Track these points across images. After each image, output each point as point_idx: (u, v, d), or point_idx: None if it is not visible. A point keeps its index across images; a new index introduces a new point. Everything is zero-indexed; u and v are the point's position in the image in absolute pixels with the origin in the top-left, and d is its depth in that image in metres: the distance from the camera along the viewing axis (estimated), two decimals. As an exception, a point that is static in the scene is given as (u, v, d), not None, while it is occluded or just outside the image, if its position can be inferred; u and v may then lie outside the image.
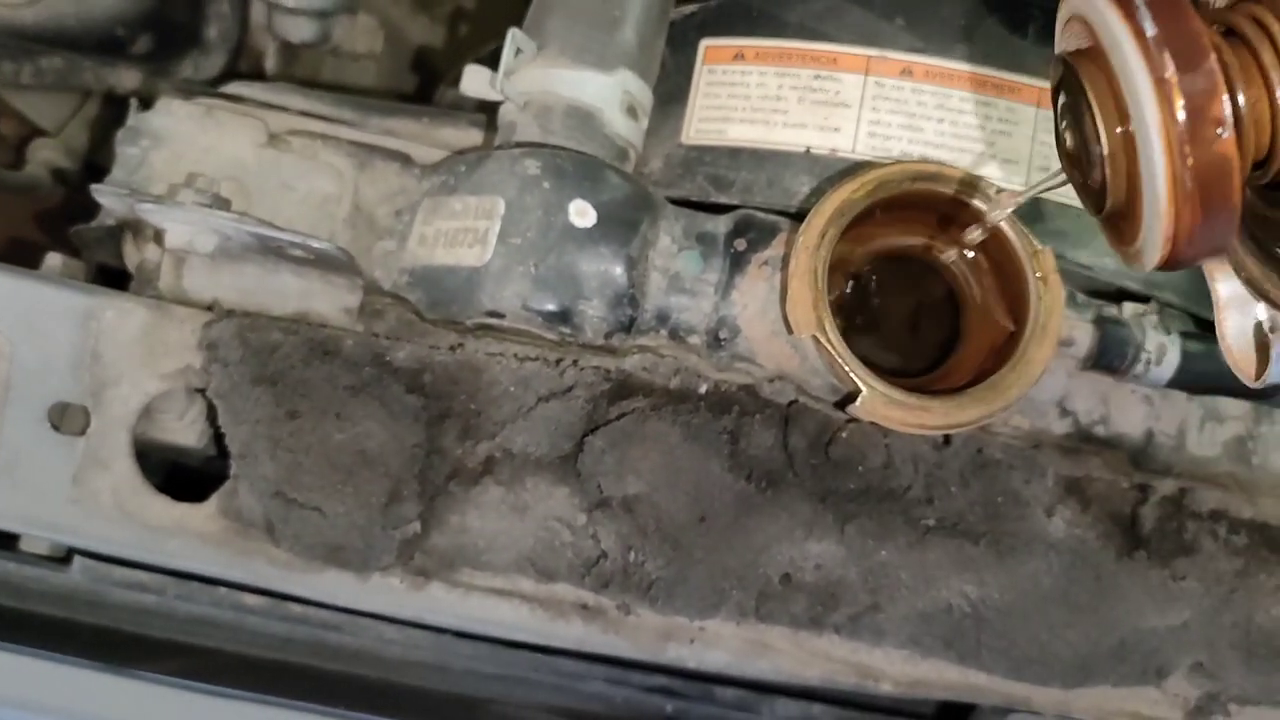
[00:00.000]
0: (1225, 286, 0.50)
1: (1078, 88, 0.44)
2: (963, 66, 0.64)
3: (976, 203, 0.57)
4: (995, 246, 0.58)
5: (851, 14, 0.66)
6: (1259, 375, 0.48)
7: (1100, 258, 0.64)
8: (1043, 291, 0.56)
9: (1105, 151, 0.43)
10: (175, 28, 0.79)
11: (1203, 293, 0.65)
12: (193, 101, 0.65)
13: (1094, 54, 0.43)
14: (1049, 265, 0.56)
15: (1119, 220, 0.46)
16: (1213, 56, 0.40)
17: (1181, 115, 0.39)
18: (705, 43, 0.68)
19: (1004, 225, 0.56)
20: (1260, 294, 0.48)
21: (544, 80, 0.61)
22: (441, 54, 1.06)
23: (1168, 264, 0.43)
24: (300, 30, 0.79)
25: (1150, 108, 0.40)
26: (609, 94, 0.61)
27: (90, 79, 0.80)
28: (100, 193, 0.57)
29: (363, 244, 0.64)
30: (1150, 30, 0.40)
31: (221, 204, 0.57)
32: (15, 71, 0.79)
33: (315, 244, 0.55)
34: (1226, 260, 0.49)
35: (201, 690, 0.59)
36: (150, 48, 0.78)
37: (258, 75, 0.86)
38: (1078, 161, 0.47)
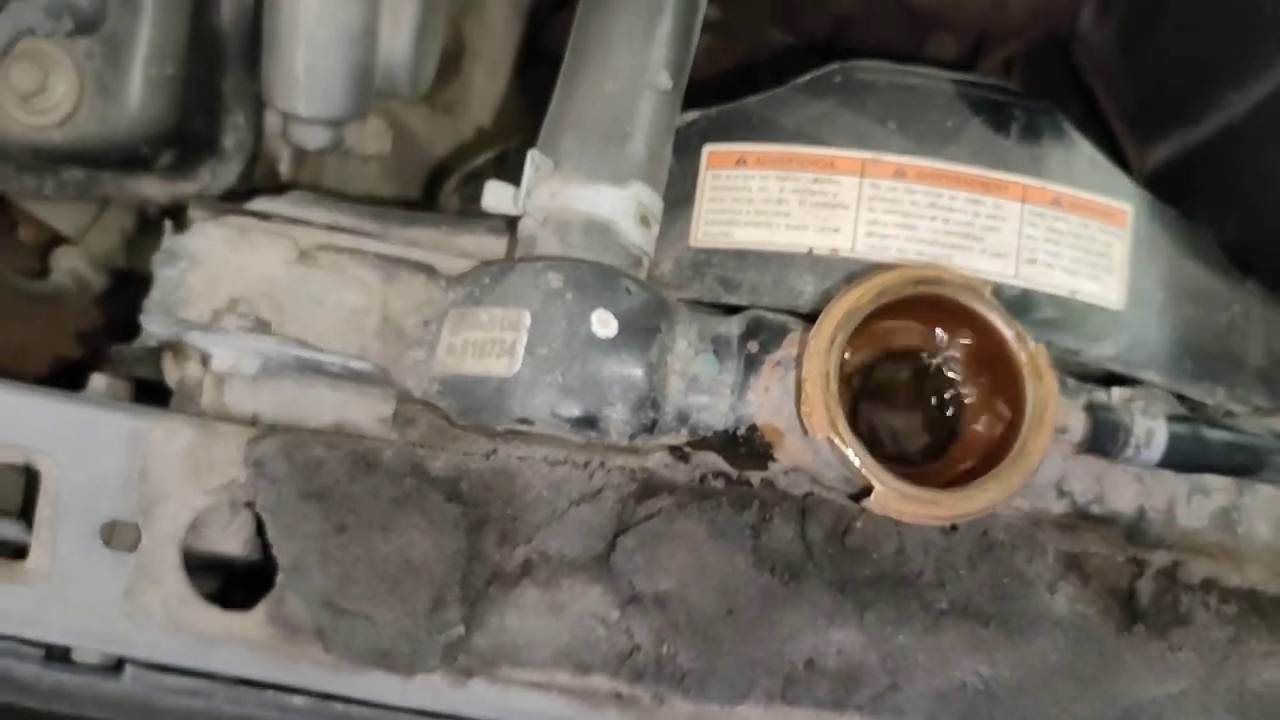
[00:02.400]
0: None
1: None
2: (952, 166, 0.69)
3: (973, 303, 0.61)
4: (991, 342, 0.62)
5: (846, 119, 0.70)
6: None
7: (1089, 343, 0.68)
8: (1037, 385, 0.60)
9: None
10: (195, 140, 0.83)
11: (1184, 371, 0.70)
12: (225, 223, 0.68)
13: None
14: (1042, 360, 0.60)
15: None
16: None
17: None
18: (709, 148, 0.72)
19: (998, 323, 0.61)
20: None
21: (561, 196, 0.64)
22: (447, 152, 1.10)
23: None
24: (314, 139, 0.83)
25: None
26: (623, 206, 0.65)
27: (111, 189, 0.83)
28: (149, 320, 0.60)
29: (392, 354, 0.67)
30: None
31: (263, 326, 0.61)
32: (38, 185, 0.82)
33: (353, 364, 0.58)
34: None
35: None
36: (171, 161, 0.81)
37: (272, 179, 0.89)
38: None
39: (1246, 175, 0.90)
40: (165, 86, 0.77)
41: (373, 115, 0.91)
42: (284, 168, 0.89)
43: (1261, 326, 0.78)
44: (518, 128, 1.17)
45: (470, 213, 0.75)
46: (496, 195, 0.65)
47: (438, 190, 0.98)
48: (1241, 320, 0.76)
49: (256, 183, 0.90)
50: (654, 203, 0.67)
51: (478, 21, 1.13)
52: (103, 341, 0.94)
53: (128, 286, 0.97)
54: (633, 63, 0.66)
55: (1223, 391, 0.71)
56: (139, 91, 0.76)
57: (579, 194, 0.64)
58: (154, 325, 0.61)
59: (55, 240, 0.89)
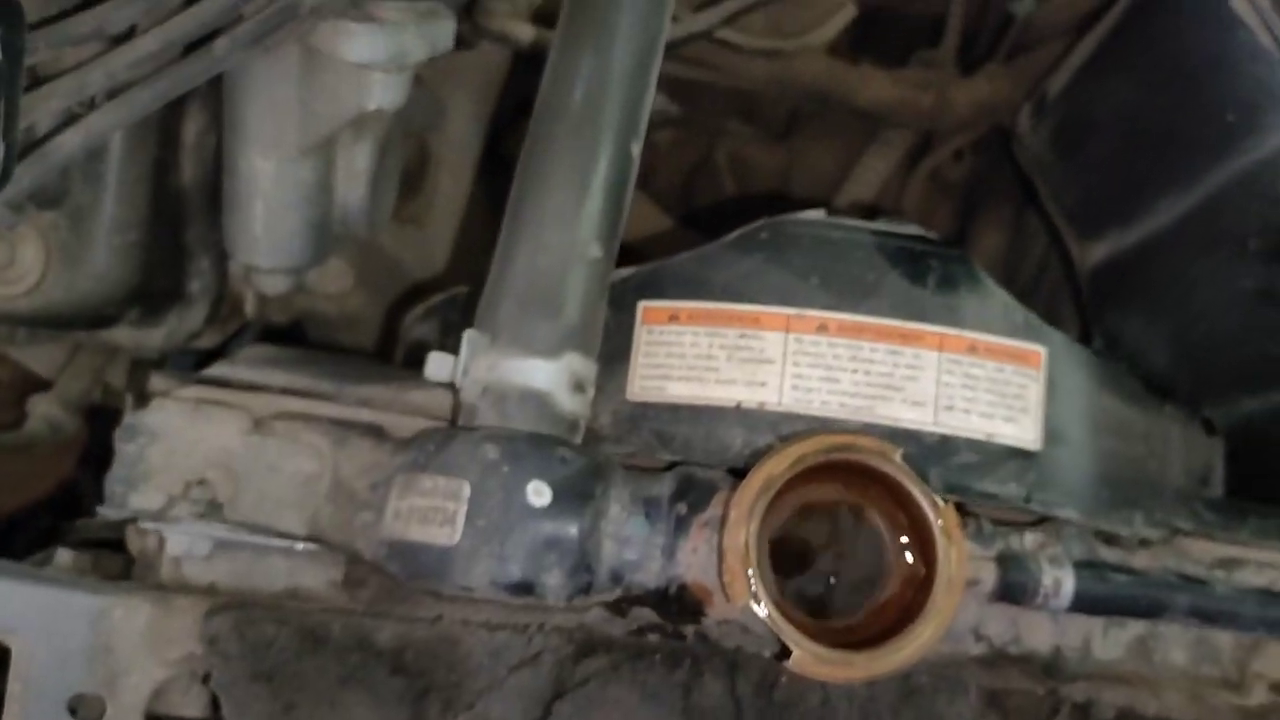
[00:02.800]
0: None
1: None
2: (872, 320, 0.72)
3: (884, 468, 0.64)
4: (906, 502, 0.65)
5: (772, 275, 0.74)
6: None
7: (1005, 485, 0.71)
8: (948, 546, 0.63)
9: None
10: (161, 292, 0.87)
11: (1101, 503, 0.73)
12: (183, 397, 0.72)
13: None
14: (952, 521, 0.64)
15: None
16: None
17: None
18: (643, 304, 0.75)
19: (910, 487, 0.64)
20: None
21: (498, 369, 0.68)
22: (416, 261, 1.14)
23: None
24: (275, 286, 0.87)
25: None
26: (557, 377, 0.68)
27: (82, 338, 0.87)
28: (105, 508, 0.64)
29: (344, 517, 0.71)
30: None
31: (215, 510, 0.64)
32: (9, 334, 0.86)
33: (299, 547, 0.62)
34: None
35: None
36: (138, 314, 0.85)
37: (238, 318, 0.94)
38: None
39: (1174, 282, 0.94)
40: (129, 252, 0.81)
41: (333, 257, 0.95)
42: (249, 307, 0.93)
43: (1181, 447, 0.82)
44: (484, 232, 1.21)
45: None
46: (437, 366, 0.69)
47: (405, 307, 1.01)
48: (1160, 446, 0.79)
49: (223, 321, 0.94)
50: (587, 368, 0.70)
51: (440, 133, 1.17)
52: (75, 482, 0.98)
53: (100, 423, 1.01)
54: (564, 238, 0.69)
55: (1141, 517, 0.75)
56: (104, 259, 0.80)
57: (514, 367, 0.68)
58: (110, 512, 0.65)
59: (31, 384, 0.93)
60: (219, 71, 0.70)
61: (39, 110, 0.67)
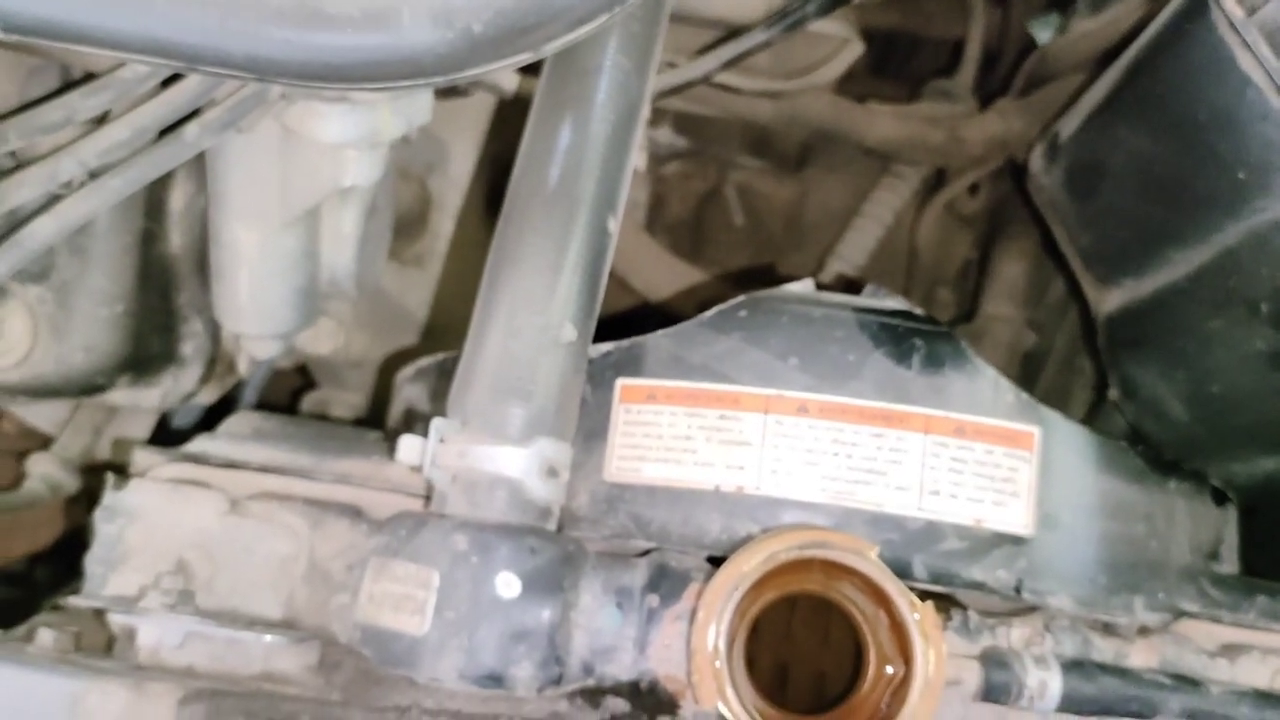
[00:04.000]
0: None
1: None
2: (854, 401, 0.70)
3: (859, 566, 0.63)
4: (882, 599, 0.63)
5: (750, 355, 0.72)
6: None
7: (994, 573, 0.69)
8: (925, 647, 0.61)
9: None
10: (153, 356, 0.87)
11: (1098, 589, 0.71)
12: (161, 476, 0.72)
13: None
14: (930, 621, 0.62)
15: None
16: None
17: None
18: (621, 382, 0.74)
19: (885, 585, 0.62)
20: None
21: (468, 456, 0.67)
22: (419, 302, 1.13)
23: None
24: (264, 350, 0.87)
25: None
26: (527, 464, 0.67)
27: (80, 397, 0.88)
28: (81, 601, 0.65)
29: (319, 599, 0.71)
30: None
31: (188, 599, 0.64)
32: (10, 397, 0.87)
33: (268, 638, 0.62)
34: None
35: None
36: (130, 381, 0.86)
37: (236, 373, 0.94)
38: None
39: (1189, 337, 0.90)
40: (117, 323, 0.81)
41: (323, 317, 0.95)
42: (242, 367, 0.93)
43: (1188, 522, 0.78)
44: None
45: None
46: (409, 450, 0.68)
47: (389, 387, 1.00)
48: (1163, 524, 0.76)
49: (221, 376, 0.95)
50: (560, 452, 0.69)
51: (442, 175, 1.17)
52: (71, 536, 0.99)
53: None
54: (537, 321, 0.68)
55: (1141, 602, 0.72)
56: (91, 331, 0.80)
57: (484, 454, 0.67)
58: (84, 601, 0.65)
59: (29, 442, 0.94)
60: (193, 155, 0.70)
61: (12, 197, 0.68)
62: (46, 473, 0.92)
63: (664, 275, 1.26)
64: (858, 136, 1.17)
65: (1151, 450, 0.78)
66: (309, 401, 1.21)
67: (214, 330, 0.91)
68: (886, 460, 0.69)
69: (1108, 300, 1.01)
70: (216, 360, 0.93)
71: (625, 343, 0.75)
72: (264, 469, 0.75)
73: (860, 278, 1.28)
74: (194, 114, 0.69)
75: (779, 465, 0.70)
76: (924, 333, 0.72)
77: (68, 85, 0.72)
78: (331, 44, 0.57)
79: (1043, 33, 1.16)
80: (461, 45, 0.58)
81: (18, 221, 0.69)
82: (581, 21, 0.61)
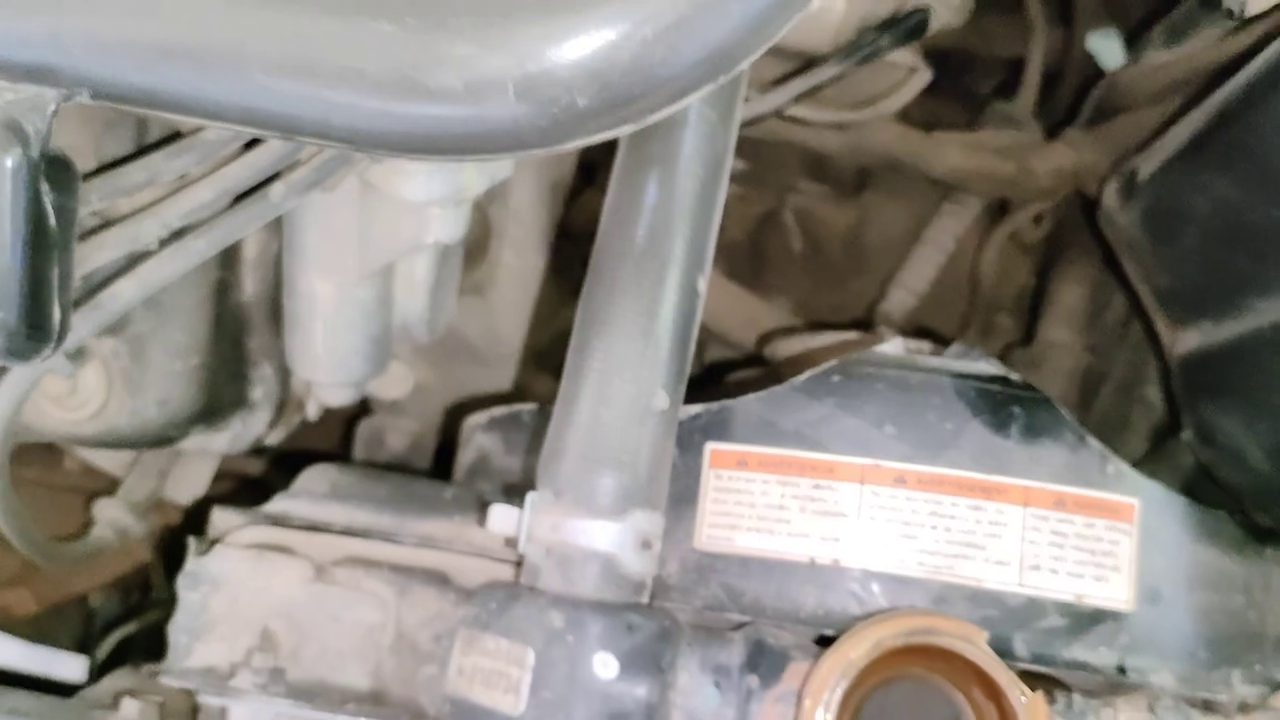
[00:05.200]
0: None
1: None
2: (952, 472, 0.69)
3: (967, 653, 0.61)
4: (991, 686, 0.62)
5: (845, 423, 0.70)
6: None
7: (1095, 651, 0.68)
8: (1035, 738, 0.60)
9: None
10: (223, 405, 0.86)
11: (1198, 665, 0.69)
12: (245, 539, 0.71)
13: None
14: (1038, 709, 0.60)
15: None
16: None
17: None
18: (710, 446, 0.73)
19: (993, 673, 0.61)
20: None
21: (562, 530, 0.66)
22: (479, 333, 1.12)
23: None
24: (337, 397, 0.86)
25: None
26: (623, 538, 0.66)
27: (153, 449, 0.87)
28: (168, 679, 0.64)
29: (407, 670, 0.70)
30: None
31: (278, 677, 0.63)
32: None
33: (360, 720, 0.61)
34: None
35: None
36: (202, 429, 0.85)
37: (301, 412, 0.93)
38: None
39: (1273, 388, 0.88)
40: (192, 375, 0.80)
41: (394, 361, 0.93)
42: (311, 411, 0.92)
43: (1281, 590, 0.77)
44: (547, 303, 1.19)
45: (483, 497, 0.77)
46: (502, 521, 0.67)
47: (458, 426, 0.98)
48: (1260, 594, 0.75)
49: (284, 421, 0.94)
50: (654, 524, 0.68)
51: (503, 205, 1.15)
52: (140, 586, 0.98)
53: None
54: (629, 389, 0.67)
55: (1239, 675, 0.70)
56: (166, 385, 0.79)
57: (578, 528, 0.66)
58: (174, 680, 0.64)
59: (94, 477, 0.94)
60: (277, 215, 0.69)
61: (94, 259, 0.66)
62: (114, 518, 0.91)
63: (722, 301, 1.24)
64: (926, 168, 1.15)
65: (1241, 514, 0.77)
66: (364, 429, 1.20)
67: (283, 374, 0.89)
68: (985, 534, 0.68)
69: (1183, 341, 0.99)
70: (286, 405, 0.92)
71: (714, 406, 0.73)
72: (346, 531, 0.74)
73: (921, 324, 1.26)
74: (277, 174, 0.68)
75: (876, 538, 0.68)
76: (1021, 399, 0.71)
77: (149, 145, 0.70)
78: (434, 116, 0.56)
79: (1105, 55, 1.13)
80: (565, 119, 0.56)
81: (98, 283, 0.68)
82: (686, 92, 0.59)
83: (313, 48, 0.53)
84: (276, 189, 0.68)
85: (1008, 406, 0.70)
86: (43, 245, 0.56)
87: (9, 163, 0.54)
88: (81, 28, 0.53)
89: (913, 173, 1.17)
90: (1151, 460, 1.05)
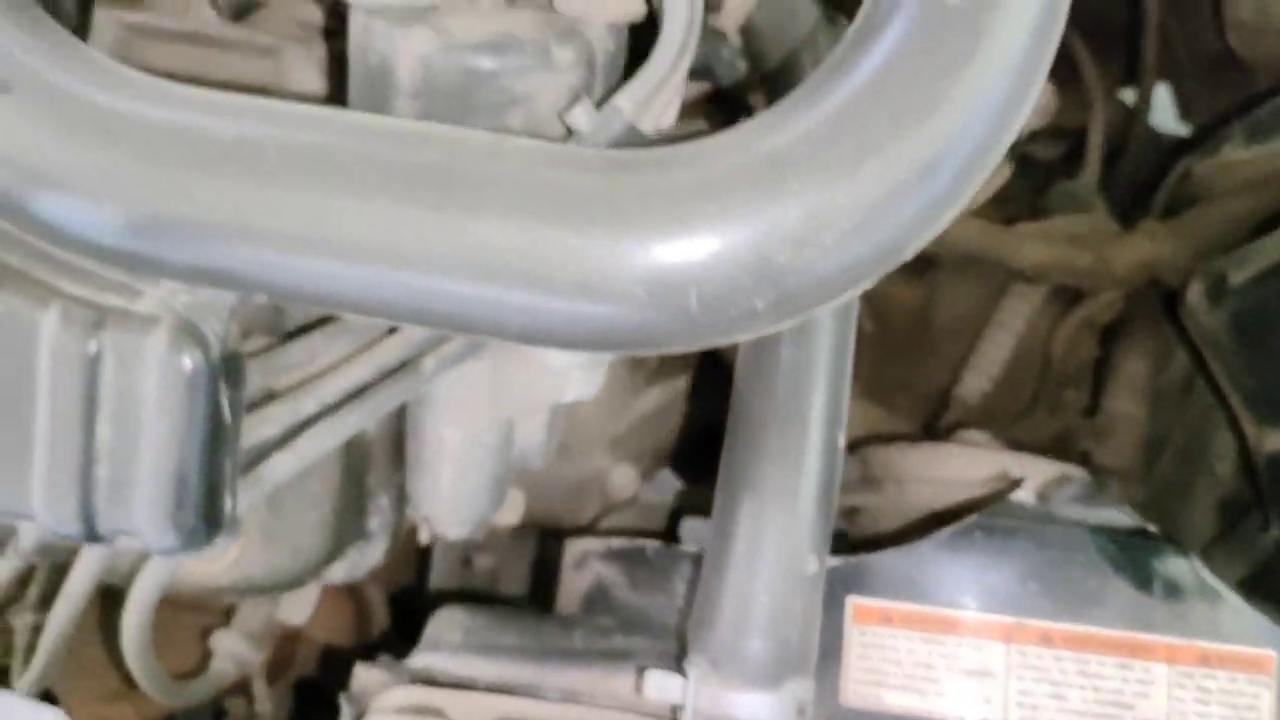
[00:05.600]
0: None
1: None
2: (1098, 630, 0.70)
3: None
4: None
5: (988, 579, 0.71)
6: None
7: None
8: None
9: None
10: (346, 542, 0.86)
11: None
12: (394, 710, 0.72)
13: None
14: None
15: None
16: None
17: None
18: (853, 600, 0.74)
19: None
20: None
21: (722, 703, 0.67)
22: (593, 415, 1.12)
23: None
24: (458, 532, 0.86)
25: None
26: (782, 708, 0.67)
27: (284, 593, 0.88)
28: None
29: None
30: None
31: None
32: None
33: None
34: None
35: None
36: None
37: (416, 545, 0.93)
38: None
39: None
40: (323, 522, 0.80)
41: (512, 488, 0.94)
42: (423, 536, 0.93)
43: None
44: (623, 390, 1.19)
45: (620, 654, 0.78)
46: (665, 689, 0.68)
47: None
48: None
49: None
50: (808, 690, 0.69)
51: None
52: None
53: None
54: (779, 555, 0.68)
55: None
56: (300, 534, 0.80)
57: (738, 701, 0.67)
58: None
59: (207, 608, 0.94)
60: (428, 386, 0.69)
61: (256, 433, 0.67)
62: (232, 650, 0.91)
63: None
64: (1006, 262, 1.16)
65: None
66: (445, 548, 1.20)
67: (400, 504, 0.90)
68: (1134, 693, 0.69)
69: (1270, 441, 1.00)
70: (401, 533, 0.92)
71: (854, 559, 0.74)
72: (491, 688, 0.75)
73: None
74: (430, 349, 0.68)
75: (1024, 698, 0.69)
76: (1162, 554, 0.72)
77: (308, 325, 0.71)
78: (611, 317, 0.56)
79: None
80: (741, 319, 0.57)
81: (256, 456, 0.68)
82: (853, 288, 0.60)
83: (500, 258, 0.54)
84: (428, 363, 0.68)
85: (1149, 562, 0.72)
86: (219, 442, 0.57)
87: (189, 366, 0.55)
88: (266, 236, 0.53)
89: (993, 266, 1.18)
90: (1225, 542, 1.07)
